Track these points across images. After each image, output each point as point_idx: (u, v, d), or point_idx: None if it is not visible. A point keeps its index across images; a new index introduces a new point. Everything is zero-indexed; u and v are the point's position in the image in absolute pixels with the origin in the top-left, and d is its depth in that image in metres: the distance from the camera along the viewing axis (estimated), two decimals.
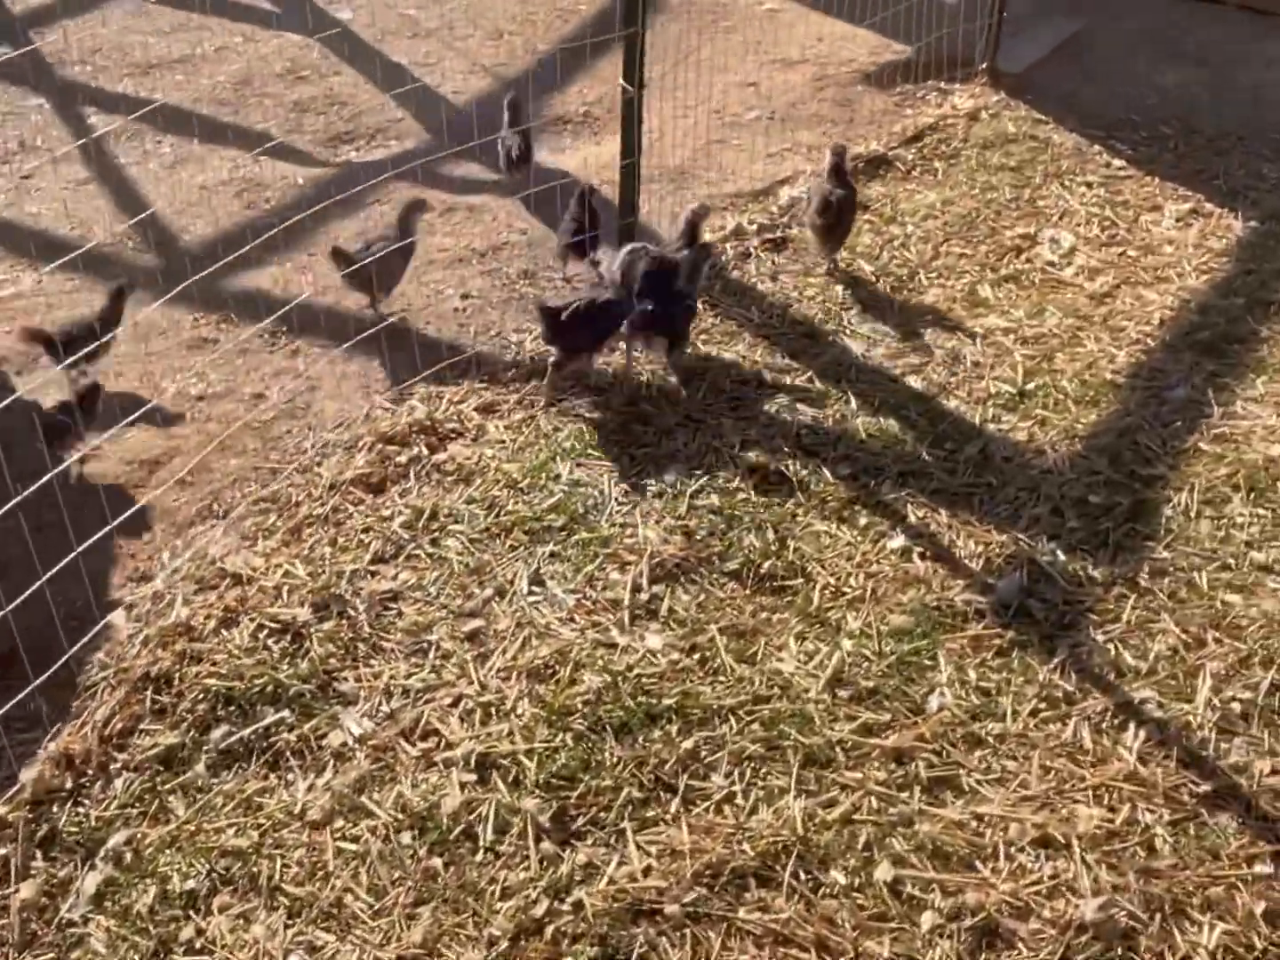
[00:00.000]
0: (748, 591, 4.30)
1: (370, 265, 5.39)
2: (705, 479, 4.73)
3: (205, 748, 3.85)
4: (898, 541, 4.45)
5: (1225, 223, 6.42)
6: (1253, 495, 4.61)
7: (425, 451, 4.89)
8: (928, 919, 3.36)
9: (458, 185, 6.64)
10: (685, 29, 8.59)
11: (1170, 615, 4.16)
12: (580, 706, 3.87)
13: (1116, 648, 4.07)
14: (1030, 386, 5.21)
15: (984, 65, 7.81)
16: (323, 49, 8.35)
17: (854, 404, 5.13)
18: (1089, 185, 6.74)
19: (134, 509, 4.56)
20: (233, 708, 3.93)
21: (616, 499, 4.66)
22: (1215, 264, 6.09)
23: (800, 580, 4.32)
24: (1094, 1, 8.87)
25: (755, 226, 6.31)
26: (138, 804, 3.73)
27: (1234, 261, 6.10)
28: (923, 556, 4.40)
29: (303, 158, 7.14)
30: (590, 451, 4.88)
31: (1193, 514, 4.55)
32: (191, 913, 3.46)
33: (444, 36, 8.62)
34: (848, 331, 5.61)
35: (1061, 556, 4.38)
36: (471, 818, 3.63)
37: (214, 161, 6.88)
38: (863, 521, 4.56)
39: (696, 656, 4.04)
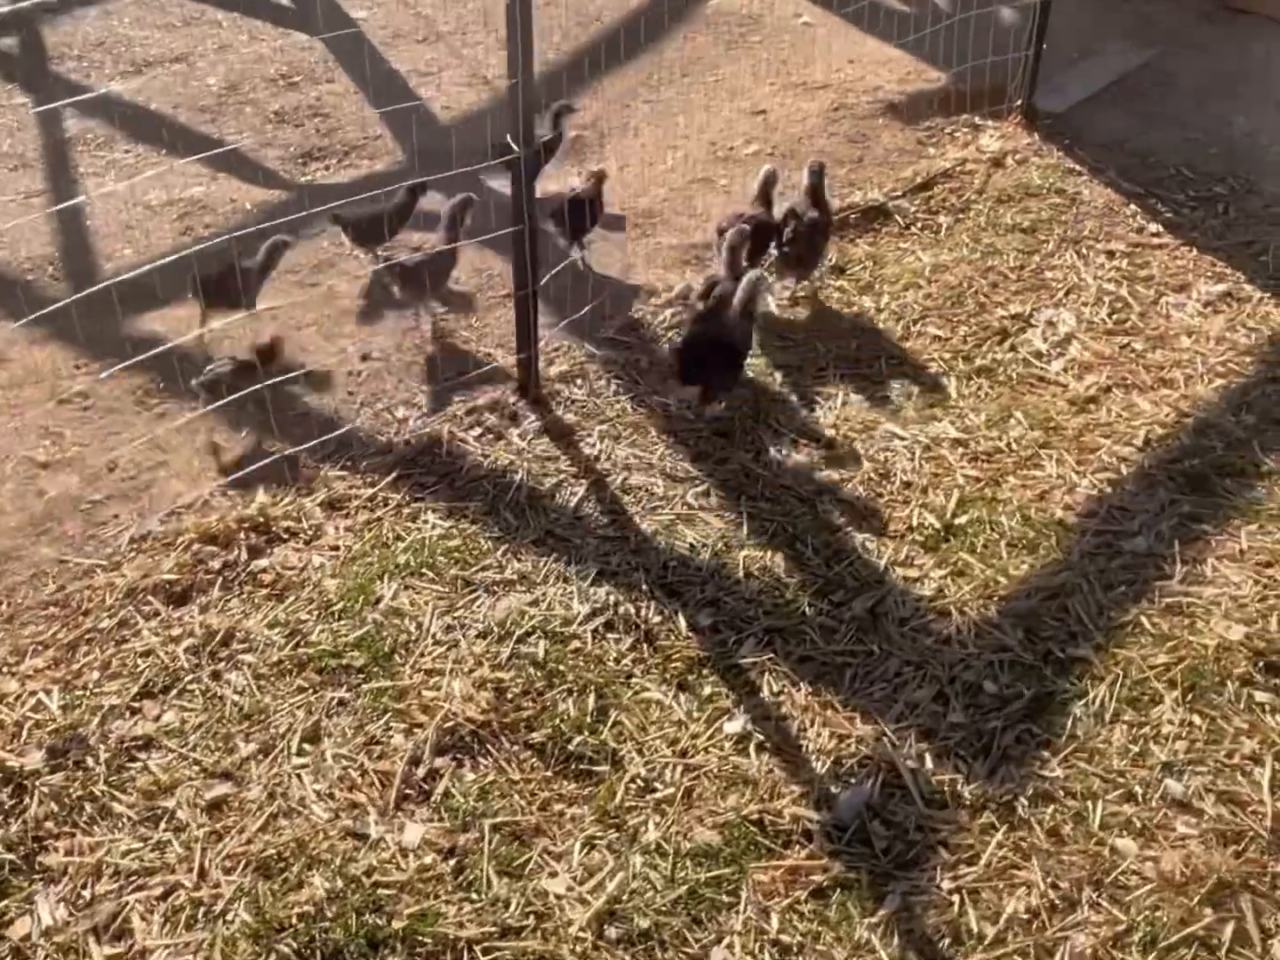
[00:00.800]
0: (547, 774, 3.63)
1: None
2: (541, 618, 4.05)
3: None
4: (737, 724, 3.71)
5: (1262, 311, 5.44)
6: (1190, 698, 3.74)
7: (245, 555, 4.32)
8: None
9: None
10: (710, 43, 7.83)
11: (1042, 862, 3.35)
12: (296, 921, 3.26)
13: (962, 901, 3.28)
14: (961, 520, 4.39)
15: (1018, 103, 6.86)
16: (325, 51, 7.83)
17: (745, 529, 4.38)
18: (1110, 254, 5.81)
19: None
20: None
21: (434, 636, 4.03)
22: (1235, 364, 5.14)
23: (609, 767, 3.63)
24: (1172, 31, 7.79)
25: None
26: None
27: (1258, 364, 5.14)
28: (761, 748, 3.65)
29: (265, 176, 6.61)
30: (425, 570, 4.24)
31: (1108, 716, 3.70)
32: None
33: (453, 41, 8.00)
34: (771, 429, 4.85)
35: (929, 764, 3.59)
36: None
37: (171, 177, 6.38)
38: (706, 690, 3.83)
39: (454, 862, 3.40)
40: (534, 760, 3.67)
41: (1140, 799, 3.47)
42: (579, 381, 5.08)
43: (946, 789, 3.52)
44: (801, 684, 3.83)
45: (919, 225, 6.09)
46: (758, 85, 7.38)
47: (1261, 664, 3.80)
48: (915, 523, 4.39)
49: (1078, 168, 6.50)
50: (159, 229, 6.20)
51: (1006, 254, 5.81)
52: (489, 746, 3.69)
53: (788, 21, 8.12)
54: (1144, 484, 4.53)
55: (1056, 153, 6.61)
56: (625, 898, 3.30)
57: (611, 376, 5.10)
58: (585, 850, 3.43)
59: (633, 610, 4.05)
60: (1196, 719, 3.68)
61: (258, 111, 7.14)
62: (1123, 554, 4.24)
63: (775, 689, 3.82)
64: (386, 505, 4.54)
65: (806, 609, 4.08)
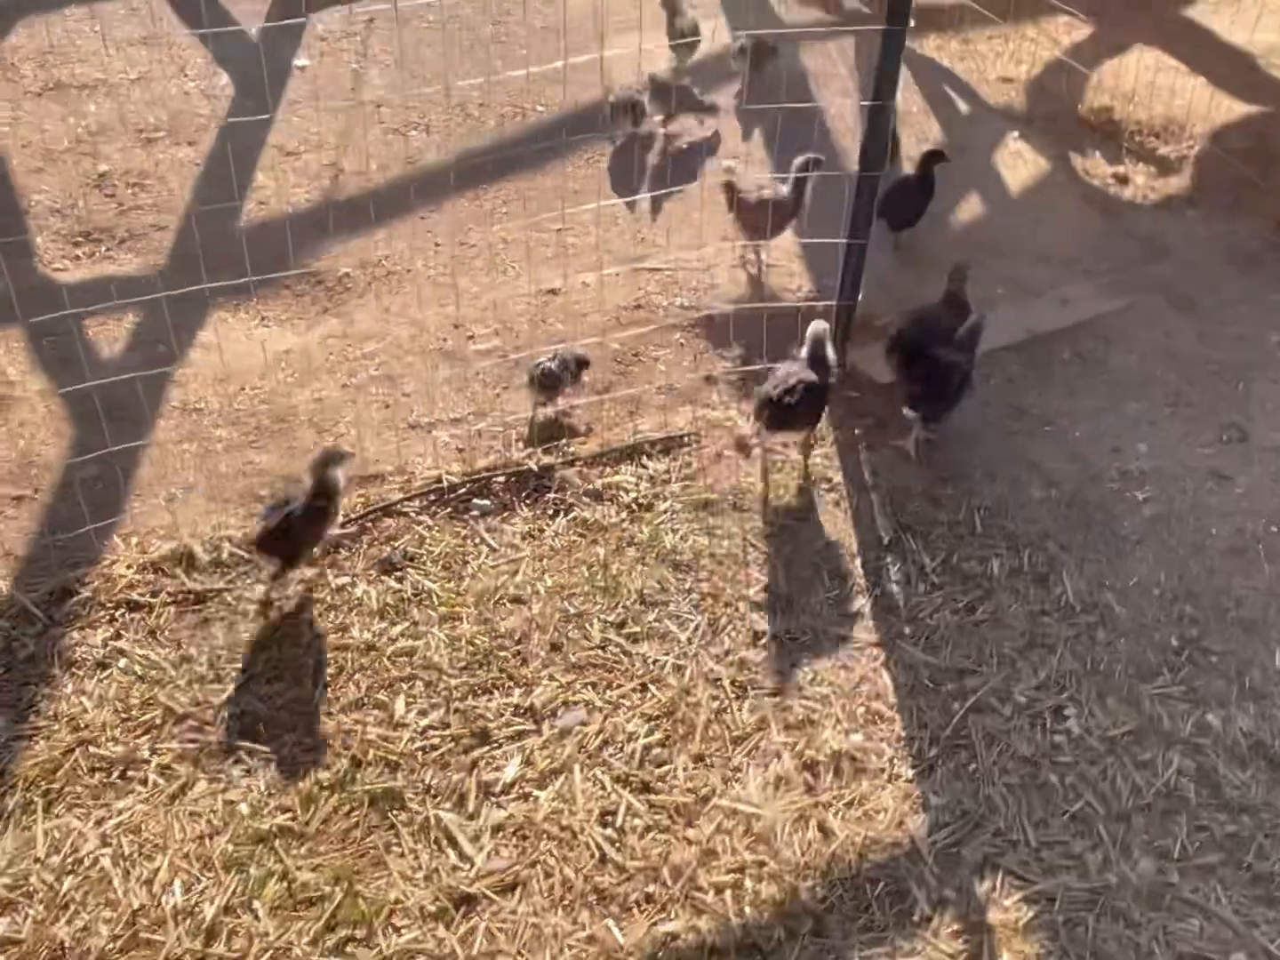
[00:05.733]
0: None
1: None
2: None
3: None
4: None
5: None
6: None
7: None
8: None
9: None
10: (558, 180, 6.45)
11: None
12: None
13: None
14: None
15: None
16: (224, 101, 7.17)
17: None
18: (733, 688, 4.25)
19: None
20: None
21: None
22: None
23: None
24: (1181, 272, 5.72)
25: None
26: None
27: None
28: None
29: (15, 263, 5.95)
30: None
31: None
32: None
33: (359, 113, 7.09)
34: None
35: None
36: None
37: None
38: None
39: None
40: None
41: None
42: None
43: None
44: None
45: (562, 517, 4.70)
46: (584, 253, 6.01)
47: None
48: None
49: (839, 483, 4.83)
50: None
51: (619, 598, 4.37)
52: None
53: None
54: None
55: (826, 447, 4.94)
56: None
57: None
58: None
59: None
60: None
61: (83, 171, 6.48)
62: None
63: None
64: None
65: None
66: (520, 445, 4.94)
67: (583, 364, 5.04)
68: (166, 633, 4.17)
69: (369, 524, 4.59)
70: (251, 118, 6.61)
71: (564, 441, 4.92)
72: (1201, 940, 3.40)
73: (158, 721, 3.90)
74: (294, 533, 4.15)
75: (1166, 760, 3.85)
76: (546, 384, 4.94)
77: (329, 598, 4.30)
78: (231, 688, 3.98)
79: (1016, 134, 6.91)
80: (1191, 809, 3.71)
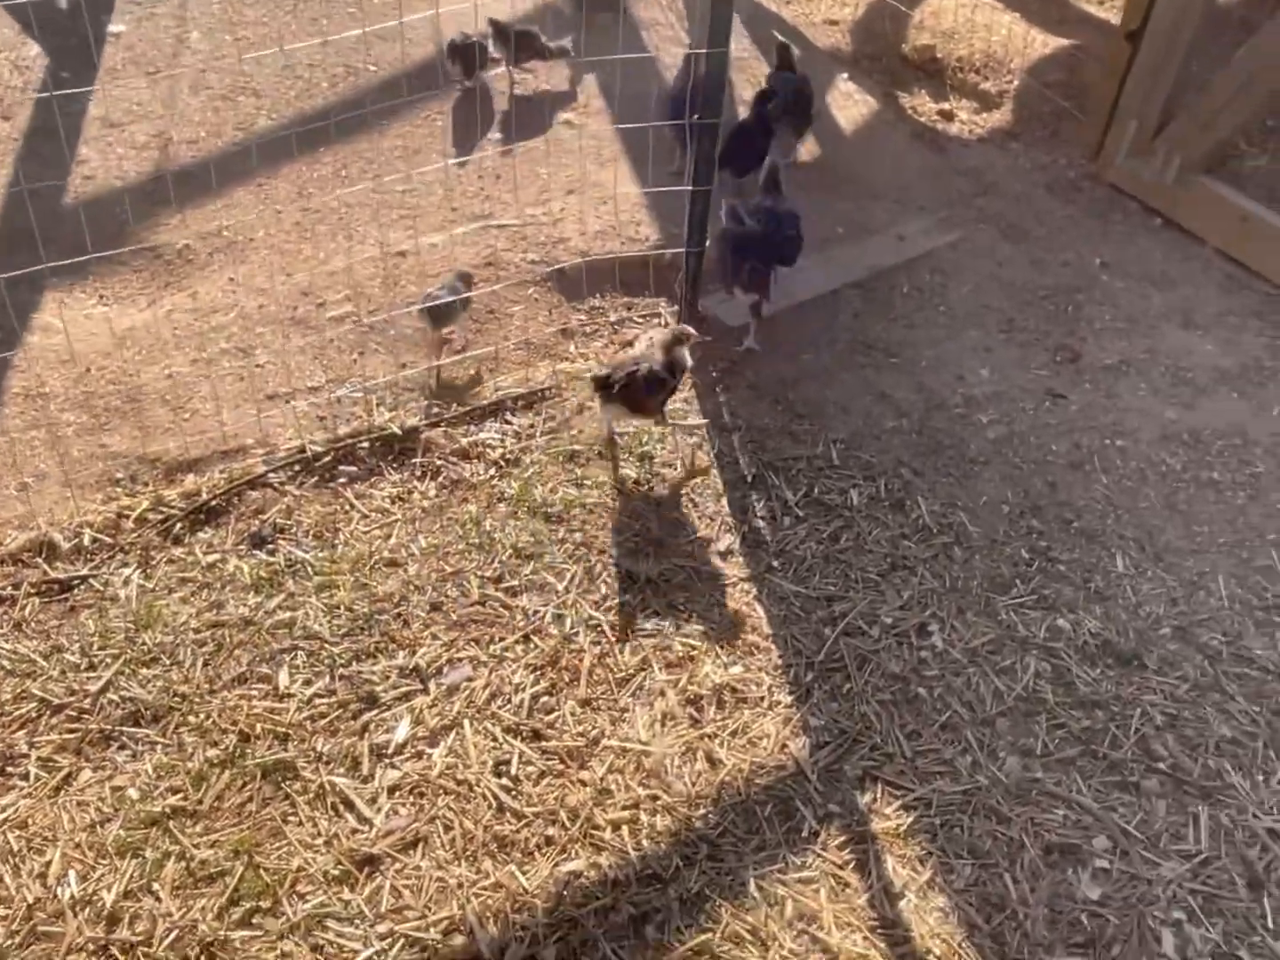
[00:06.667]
0: None
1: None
2: None
3: None
4: None
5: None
6: None
7: None
8: None
9: None
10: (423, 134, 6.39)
11: None
12: None
13: None
14: None
15: (674, 308, 5.30)
16: (37, 72, 6.87)
17: None
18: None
19: None
20: None
21: None
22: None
23: None
24: (1009, 204, 5.97)
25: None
26: None
27: None
28: None
29: None
30: None
31: None
32: None
33: (183, 79, 6.87)
34: None
35: None
36: None
37: None
38: None
39: None
40: None
41: None
42: None
43: None
44: None
45: (430, 479, 4.72)
46: (430, 213, 5.98)
47: None
48: None
49: (697, 424, 4.95)
50: None
51: (495, 553, 4.42)
52: None
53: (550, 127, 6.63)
54: None
55: (688, 391, 5.05)
56: None
57: None
58: None
59: None
60: None
61: None
62: None
63: None
64: None
65: None
66: (383, 410, 4.93)
67: (467, 279, 5.05)
68: (33, 624, 4.08)
69: (235, 498, 4.54)
70: (69, 91, 6.37)
71: (466, 385, 4.97)
72: (1066, 828, 3.65)
73: (34, 715, 3.82)
74: (633, 388, 4.38)
75: (1024, 665, 4.08)
76: (443, 313, 4.95)
77: (200, 576, 4.26)
78: (107, 674, 3.92)
79: (845, 75, 7.08)
80: (1050, 708, 3.96)
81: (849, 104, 6.82)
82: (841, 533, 4.49)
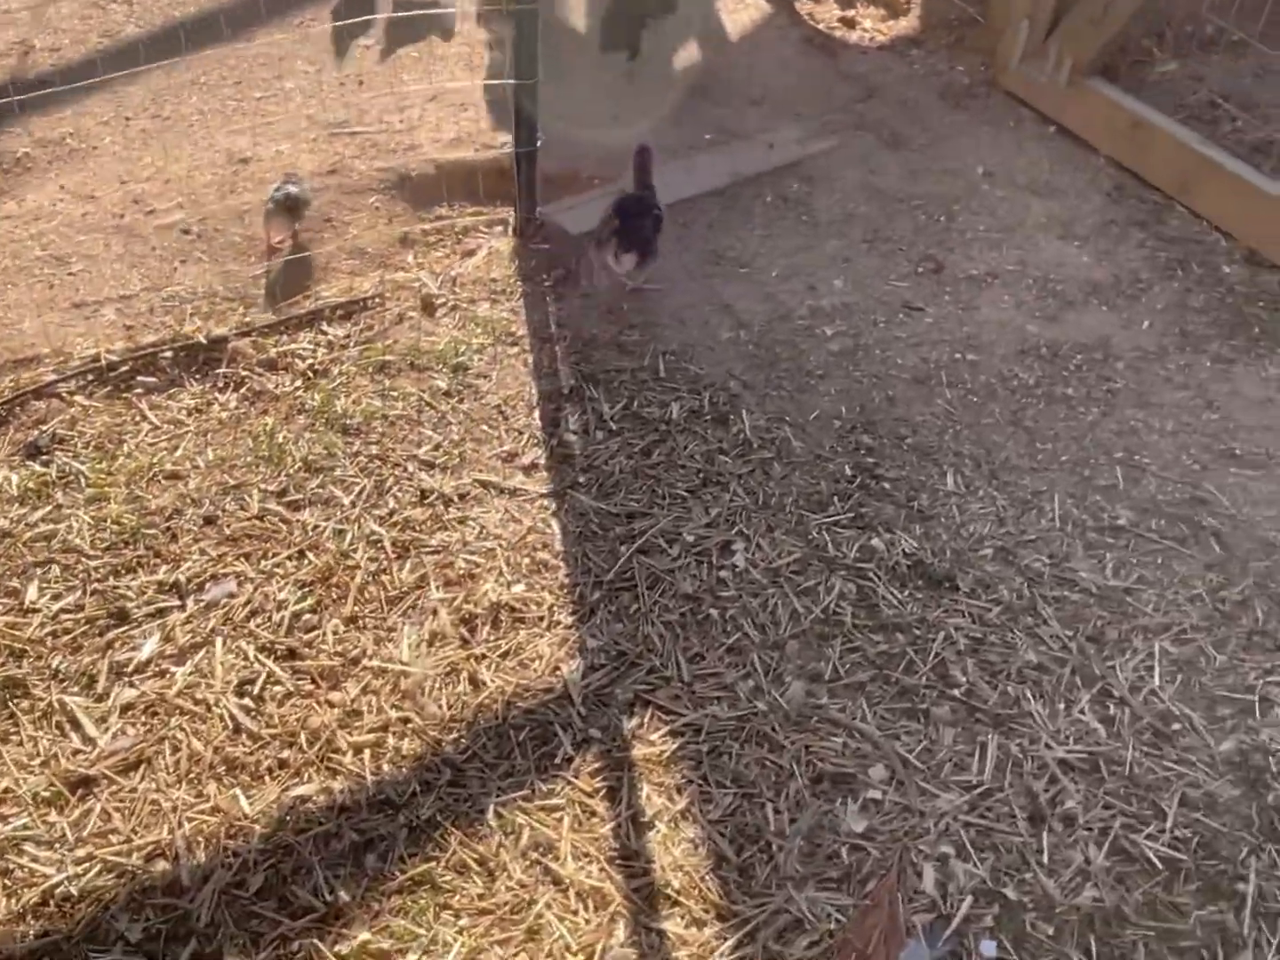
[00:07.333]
0: None
1: None
2: None
3: None
4: None
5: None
6: None
7: None
8: None
9: None
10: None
11: None
12: None
13: None
14: None
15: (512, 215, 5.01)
16: None
17: None
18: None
19: None
20: None
21: None
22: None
23: None
24: (895, 110, 5.64)
25: None
26: None
27: None
28: None
29: None
30: None
31: None
32: None
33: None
34: None
35: None
36: None
37: None
38: None
39: None
40: None
41: None
42: None
43: None
44: None
45: (233, 391, 4.47)
46: (280, 120, 5.69)
47: None
48: None
49: (523, 335, 4.67)
50: None
51: (283, 466, 4.17)
52: None
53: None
54: None
55: (514, 302, 4.78)
56: None
57: None
58: None
59: None
60: None
61: None
62: None
63: None
64: None
65: None
66: (196, 320, 4.67)
67: (297, 183, 4.88)
68: None
69: (17, 408, 4.30)
70: None
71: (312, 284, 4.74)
72: (842, 757, 3.39)
73: None
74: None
75: (829, 586, 3.82)
76: (292, 206, 4.76)
77: None
78: None
79: None
80: (846, 631, 3.69)
81: (740, 8, 6.46)
82: (655, 447, 4.22)
